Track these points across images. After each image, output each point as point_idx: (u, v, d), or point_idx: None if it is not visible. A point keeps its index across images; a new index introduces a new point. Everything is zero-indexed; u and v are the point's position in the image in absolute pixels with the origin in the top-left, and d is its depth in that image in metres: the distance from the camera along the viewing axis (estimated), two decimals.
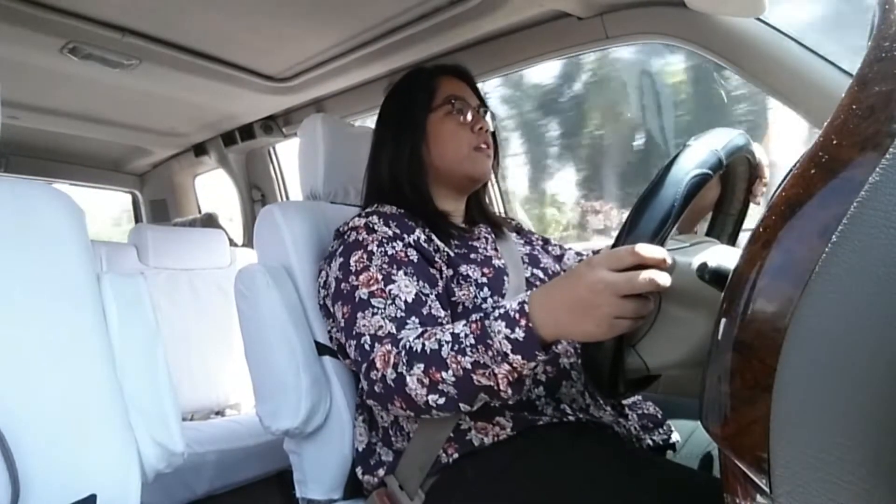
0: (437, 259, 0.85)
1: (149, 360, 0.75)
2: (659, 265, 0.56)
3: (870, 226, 0.30)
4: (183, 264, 1.89)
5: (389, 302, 0.77)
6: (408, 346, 0.70)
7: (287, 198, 2.27)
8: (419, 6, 1.24)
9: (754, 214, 0.83)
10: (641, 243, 0.56)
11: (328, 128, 1.14)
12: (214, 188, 2.53)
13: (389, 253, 0.82)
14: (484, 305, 0.83)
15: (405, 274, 0.80)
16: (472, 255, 0.90)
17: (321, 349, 0.98)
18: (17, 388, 0.63)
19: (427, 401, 0.68)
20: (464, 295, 0.84)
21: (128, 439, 0.70)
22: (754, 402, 0.35)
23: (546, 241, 1.12)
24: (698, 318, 0.59)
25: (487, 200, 1.08)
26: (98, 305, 0.71)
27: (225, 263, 1.99)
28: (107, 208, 2.81)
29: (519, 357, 0.63)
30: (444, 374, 0.66)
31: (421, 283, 0.80)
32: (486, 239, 0.97)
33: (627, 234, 0.58)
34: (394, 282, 0.79)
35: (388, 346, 0.72)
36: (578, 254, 1.10)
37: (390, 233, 0.84)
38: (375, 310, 0.77)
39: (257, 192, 2.28)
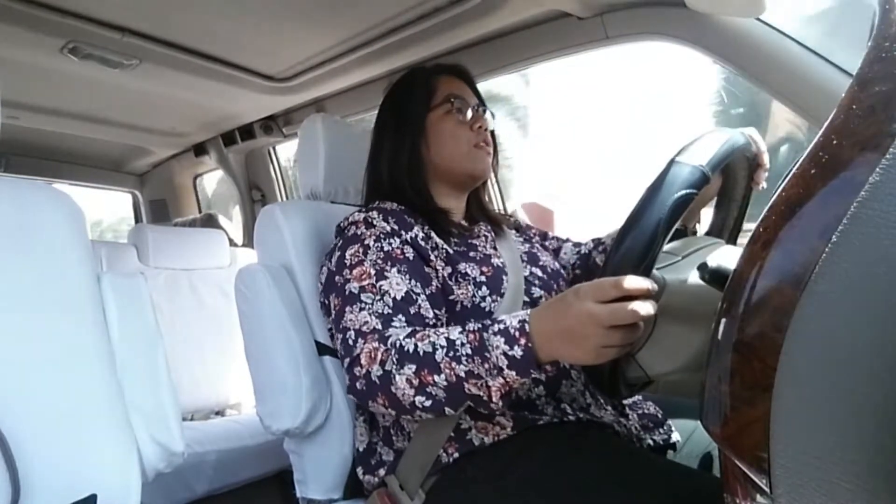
0: (433, 257, 0.85)
1: (149, 360, 0.75)
2: (643, 296, 0.57)
3: (870, 226, 0.30)
4: (183, 264, 1.89)
5: (378, 298, 0.77)
6: (398, 345, 0.70)
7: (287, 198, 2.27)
8: (419, 6, 1.24)
9: (755, 213, 0.83)
10: (625, 276, 0.57)
11: (328, 127, 1.14)
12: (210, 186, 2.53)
13: (385, 249, 0.82)
14: (482, 304, 0.83)
15: (398, 271, 0.80)
16: (472, 254, 0.90)
17: (322, 349, 0.98)
18: (18, 388, 0.63)
19: (413, 401, 0.68)
20: (462, 293, 0.84)
21: (128, 439, 0.70)
22: (754, 402, 0.35)
23: (544, 236, 1.12)
24: (694, 331, 0.60)
25: (487, 198, 1.08)
26: (98, 305, 0.71)
27: (225, 263, 1.99)
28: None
29: (514, 373, 0.64)
30: (435, 377, 0.67)
31: (413, 281, 0.80)
32: (486, 237, 0.97)
33: (613, 262, 0.59)
34: (386, 278, 0.79)
35: (375, 344, 0.72)
36: (576, 244, 1.10)
37: (388, 228, 0.84)
38: (363, 305, 0.77)
39: (257, 192, 2.28)
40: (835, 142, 0.35)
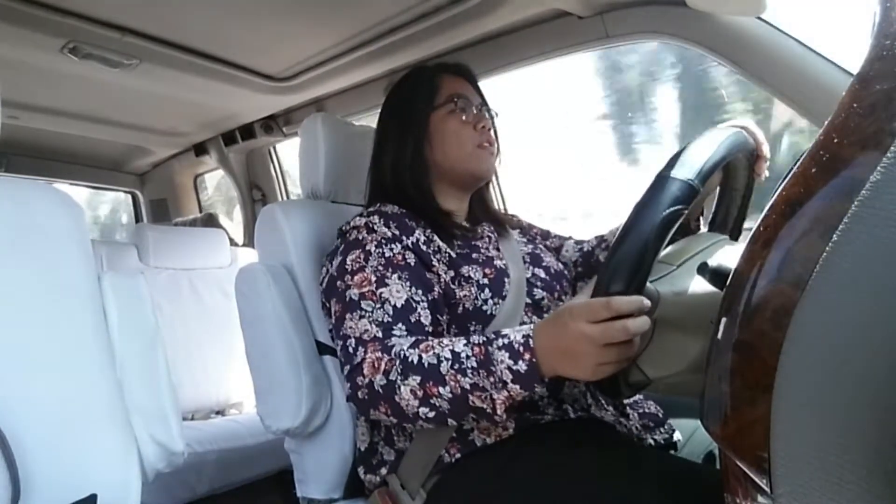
0: (435, 261, 0.85)
1: (149, 359, 0.75)
2: (634, 314, 0.58)
3: (871, 225, 0.30)
4: (183, 264, 1.89)
5: (378, 306, 0.77)
6: (402, 355, 0.70)
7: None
8: (419, 6, 1.24)
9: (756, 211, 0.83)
10: (616, 297, 0.57)
11: (329, 127, 1.14)
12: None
13: (386, 255, 0.82)
14: (484, 307, 0.83)
15: (399, 278, 0.80)
16: (475, 255, 0.90)
17: (322, 348, 0.98)
18: (18, 387, 0.63)
19: (417, 412, 0.68)
20: (465, 296, 0.84)
21: (128, 439, 0.70)
22: (754, 401, 0.35)
23: (546, 235, 1.12)
24: (693, 337, 0.60)
25: (490, 199, 1.08)
26: (98, 305, 0.71)
27: (225, 263, 1.99)
28: None
29: (518, 387, 0.65)
30: (440, 389, 0.67)
31: (414, 289, 0.80)
32: (489, 238, 0.96)
33: (604, 282, 0.59)
34: (386, 285, 0.79)
35: (378, 353, 0.72)
36: (578, 242, 1.10)
37: (389, 234, 0.84)
38: (363, 312, 0.77)
39: (258, 191, 2.28)
40: (836, 140, 0.35)
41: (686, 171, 0.60)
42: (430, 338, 0.74)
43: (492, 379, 0.65)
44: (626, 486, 0.66)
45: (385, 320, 0.76)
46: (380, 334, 0.75)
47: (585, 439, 0.76)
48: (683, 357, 0.60)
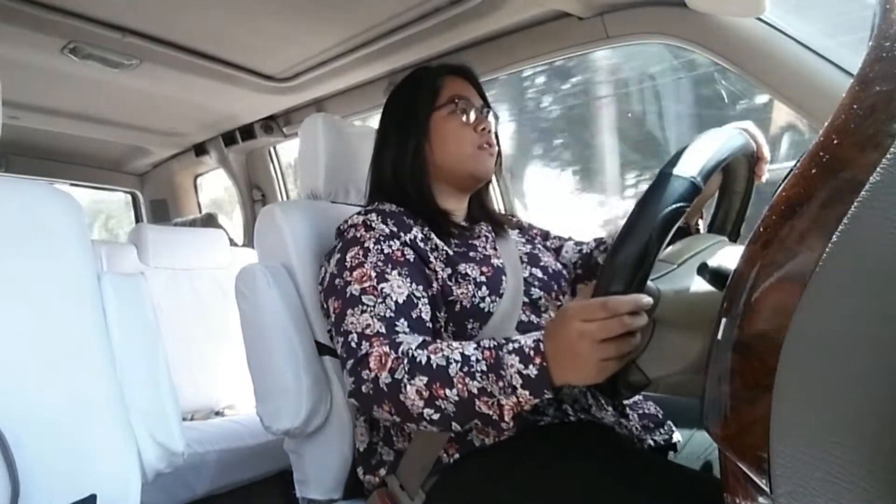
0: (433, 258, 0.85)
1: (149, 359, 0.75)
2: (632, 313, 0.57)
3: (870, 226, 0.30)
4: (183, 264, 1.89)
5: (380, 301, 0.77)
6: (410, 355, 0.69)
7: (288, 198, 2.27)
8: (419, 6, 1.24)
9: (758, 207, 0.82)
10: (612, 297, 0.57)
11: (329, 127, 1.14)
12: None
13: (385, 251, 0.82)
14: (482, 305, 0.83)
15: (399, 274, 0.80)
16: (472, 254, 0.90)
17: (322, 349, 0.98)
18: (17, 387, 0.63)
19: (422, 413, 0.68)
20: (462, 293, 0.84)
21: (128, 439, 0.70)
22: (754, 402, 0.35)
23: (546, 236, 1.12)
24: (693, 336, 0.60)
25: (489, 199, 1.08)
26: (98, 305, 0.71)
27: (225, 263, 1.99)
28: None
29: (527, 392, 0.63)
30: (447, 391, 0.66)
31: (414, 284, 0.80)
32: (486, 238, 0.97)
33: (604, 282, 0.59)
34: (387, 281, 0.79)
35: (386, 349, 0.72)
36: (578, 243, 1.10)
37: (388, 231, 0.84)
38: (365, 307, 0.77)
39: (258, 192, 2.28)
40: (835, 141, 0.35)
41: (688, 168, 0.59)
42: (437, 340, 0.74)
43: (501, 384, 0.64)
44: (625, 489, 0.66)
45: (387, 315, 0.76)
46: (383, 329, 0.75)
47: (584, 441, 0.76)
48: (683, 357, 0.60)
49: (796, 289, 0.33)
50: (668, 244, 0.61)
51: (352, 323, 0.77)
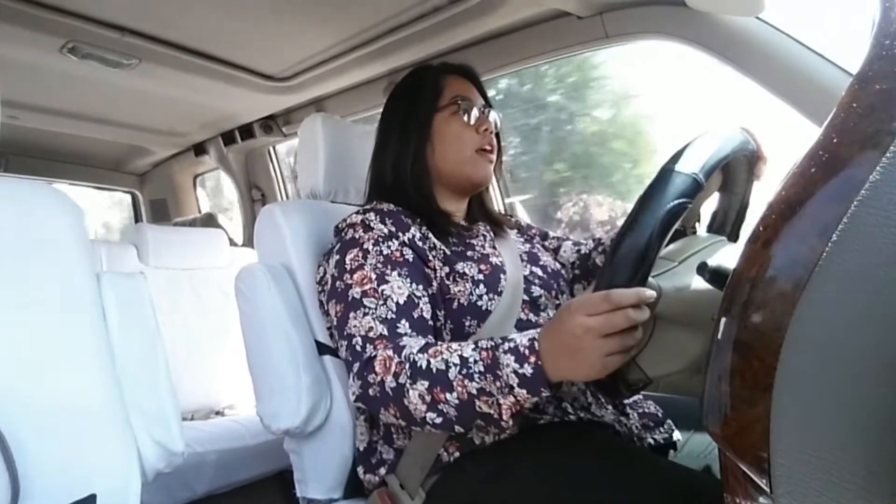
0: (431, 257, 0.85)
1: (149, 359, 0.75)
2: (634, 306, 0.57)
3: (870, 225, 0.30)
4: (183, 264, 1.89)
5: (381, 303, 0.77)
6: (412, 360, 0.70)
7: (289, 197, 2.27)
8: (419, 5, 1.24)
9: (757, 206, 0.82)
10: (615, 290, 0.57)
11: (328, 127, 1.14)
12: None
13: (385, 252, 0.82)
14: (479, 303, 0.83)
15: (399, 275, 0.80)
16: (469, 253, 0.90)
17: (322, 348, 0.98)
18: (17, 388, 0.63)
19: (425, 417, 0.68)
20: (459, 291, 0.84)
21: (128, 439, 0.70)
22: (754, 402, 0.35)
23: (544, 236, 1.12)
24: (693, 334, 0.59)
25: (489, 199, 1.08)
26: (98, 305, 0.71)
27: (225, 263, 1.99)
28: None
29: (524, 391, 0.63)
30: (447, 395, 0.66)
31: (414, 284, 0.80)
32: (485, 237, 0.97)
33: (606, 276, 0.59)
34: (387, 282, 0.79)
35: (390, 352, 0.72)
36: (576, 244, 1.10)
37: (386, 231, 0.84)
38: (367, 310, 0.77)
39: (257, 191, 2.28)
40: (835, 140, 0.35)
41: (690, 165, 0.59)
42: (439, 342, 0.74)
43: (498, 384, 0.64)
44: (625, 487, 0.66)
45: (389, 317, 0.76)
46: (386, 332, 0.75)
47: (584, 441, 0.76)
48: (684, 355, 0.60)
49: (797, 288, 0.33)
50: (667, 244, 0.61)
51: (354, 326, 0.77)
